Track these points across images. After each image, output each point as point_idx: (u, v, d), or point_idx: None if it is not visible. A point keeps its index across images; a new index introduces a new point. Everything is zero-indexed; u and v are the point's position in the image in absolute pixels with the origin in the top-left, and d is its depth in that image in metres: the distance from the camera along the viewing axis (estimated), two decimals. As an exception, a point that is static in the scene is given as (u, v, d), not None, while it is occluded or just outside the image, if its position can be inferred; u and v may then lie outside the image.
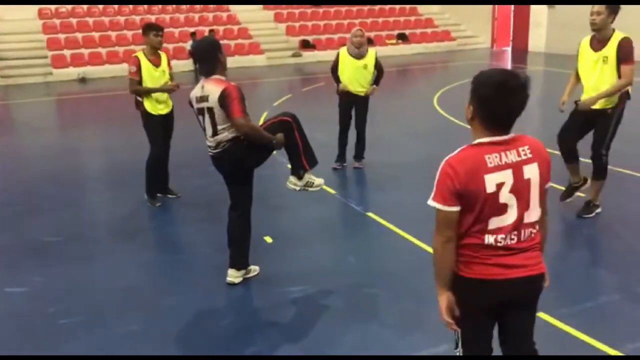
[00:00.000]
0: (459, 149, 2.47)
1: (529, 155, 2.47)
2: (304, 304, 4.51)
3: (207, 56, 4.48)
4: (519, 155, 2.46)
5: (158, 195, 6.92)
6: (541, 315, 4.06)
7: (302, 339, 4.00)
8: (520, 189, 2.45)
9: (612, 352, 3.63)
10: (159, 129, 6.63)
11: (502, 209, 2.44)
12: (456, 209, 2.43)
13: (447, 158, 2.46)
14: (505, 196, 2.42)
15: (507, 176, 2.42)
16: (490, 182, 2.40)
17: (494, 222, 2.45)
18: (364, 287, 4.69)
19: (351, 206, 6.60)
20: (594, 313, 4.18)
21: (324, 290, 4.66)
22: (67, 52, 20.85)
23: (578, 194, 6.11)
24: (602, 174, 5.69)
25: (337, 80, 7.69)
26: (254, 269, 4.91)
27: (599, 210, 5.86)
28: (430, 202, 2.47)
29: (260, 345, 3.95)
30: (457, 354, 2.72)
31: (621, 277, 4.69)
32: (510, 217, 2.45)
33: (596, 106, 5.42)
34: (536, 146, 2.52)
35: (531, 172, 2.47)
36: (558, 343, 3.79)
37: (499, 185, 2.41)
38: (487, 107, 2.43)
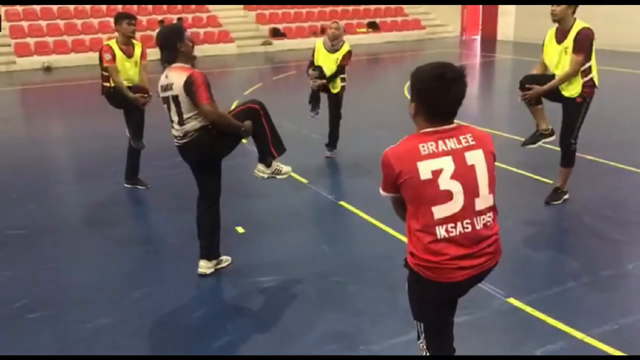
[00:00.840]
0: (400, 141, 2.49)
1: (472, 143, 2.47)
2: (276, 293, 4.50)
3: (167, 44, 4.34)
4: (459, 142, 2.45)
5: (127, 186, 6.86)
6: (511, 300, 4.13)
7: (275, 328, 3.98)
8: (464, 175, 2.42)
9: (580, 335, 3.69)
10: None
11: (445, 196, 2.41)
12: (393, 194, 2.56)
13: (386, 149, 2.49)
14: (446, 182, 2.40)
15: (445, 163, 2.41)
16: (424, 169, 2.39)
17: (439, 211, 2.41)
18: (335, 275, 4.69)
19: (323, 195, 6.58)
20: (563, 298, 4.24)
21: (296, 280, 4.65)
22: (30, 41, 20.36)
23: (546, 178, 6.19)
24: (570, 162, 5.78)
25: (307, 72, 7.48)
26: (226, 259, 4.88)
27: (566, 197, 5.95)
28: (380, 189, 2.60)
29: (233, 336, 3.93)
30: (420, 344, 2.75)
31: (588, 263, 4.77)
32: (456, 204, 2.42)
33: (565, 93, 5.49)
34: (480, 135, 2.52)
35: (475, 158, 2.46)
36: (528, 328, 3.84)
37: (436, 172, 2.40)
38: (428, 101, 2.43)
